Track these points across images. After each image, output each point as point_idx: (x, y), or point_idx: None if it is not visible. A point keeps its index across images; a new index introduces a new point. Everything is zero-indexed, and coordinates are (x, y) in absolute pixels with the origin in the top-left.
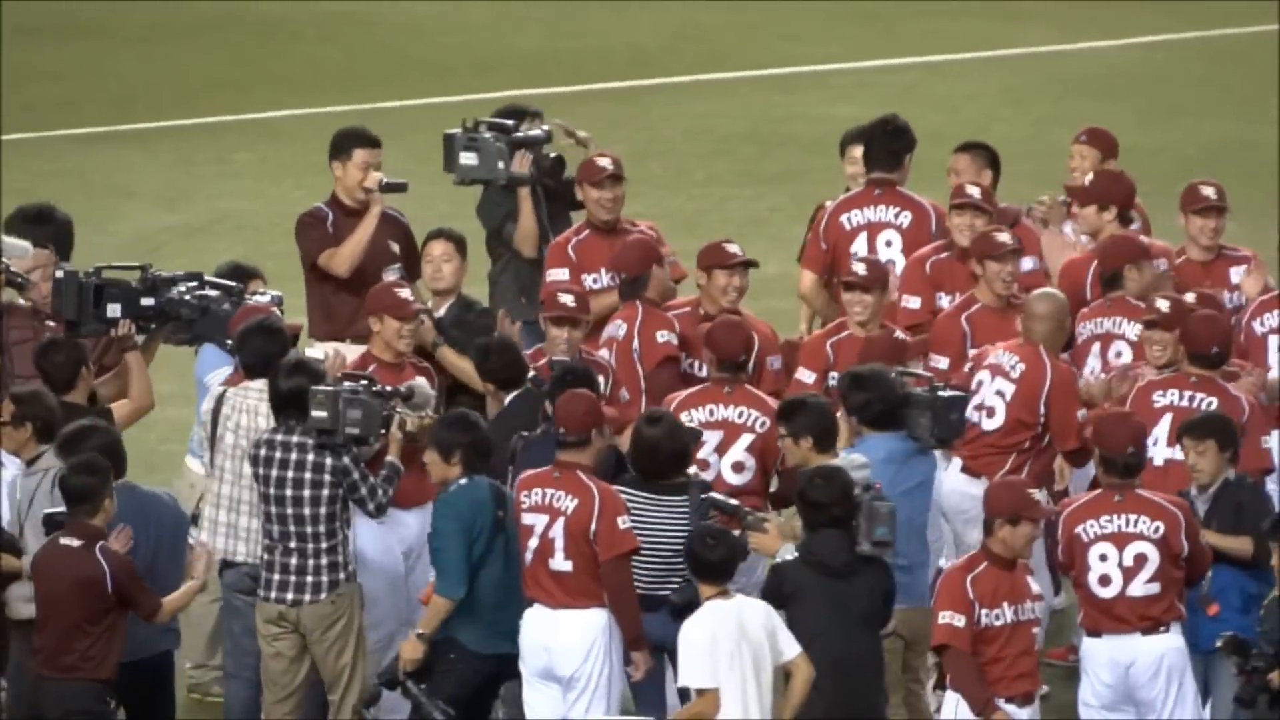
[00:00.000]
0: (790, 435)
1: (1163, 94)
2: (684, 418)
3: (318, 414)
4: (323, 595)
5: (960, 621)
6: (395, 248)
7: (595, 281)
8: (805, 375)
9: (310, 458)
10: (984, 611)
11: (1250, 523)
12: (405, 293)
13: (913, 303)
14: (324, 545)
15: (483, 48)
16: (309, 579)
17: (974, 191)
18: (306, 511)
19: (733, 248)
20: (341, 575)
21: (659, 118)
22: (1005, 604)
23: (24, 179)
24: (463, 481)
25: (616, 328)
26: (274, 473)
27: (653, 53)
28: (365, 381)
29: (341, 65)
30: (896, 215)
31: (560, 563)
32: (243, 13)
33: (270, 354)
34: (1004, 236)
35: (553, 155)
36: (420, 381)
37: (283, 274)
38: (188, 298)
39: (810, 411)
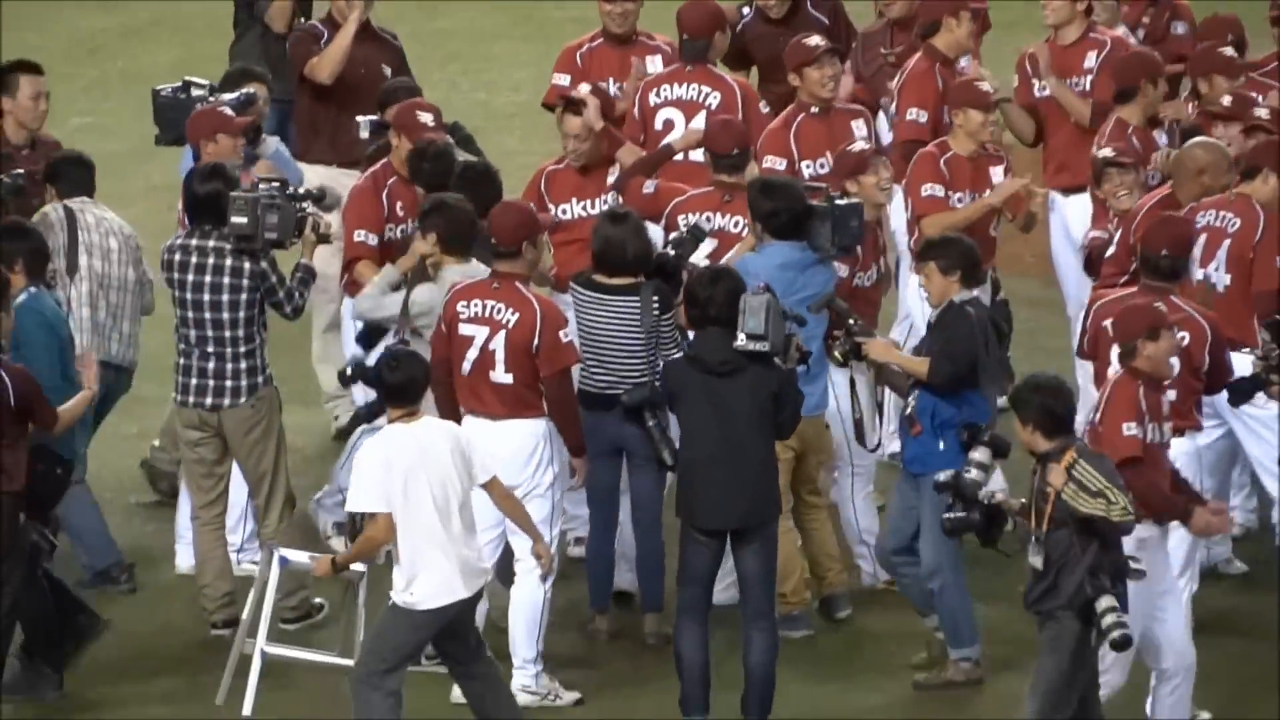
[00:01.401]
0: (941, 271)
1: None
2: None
3: (237, 220)
4: (242, 399)
5: (1137, 431)
6: (388, 71)
7: (960, 200)
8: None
9: (228, 262)
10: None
11: (940, 346)
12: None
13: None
14: (242, 349)
15: None
16: (228, 383)
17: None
18: (225, 316)
19: (812, 40)
20: (260, 379)
21: None
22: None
23: None
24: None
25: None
26: (189, 277)
27: None
28: (278, 184)
29: None
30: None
31: (501, 375)
32: None
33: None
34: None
35: None
36: (330, 184)
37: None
38: None
39: (957, 248)
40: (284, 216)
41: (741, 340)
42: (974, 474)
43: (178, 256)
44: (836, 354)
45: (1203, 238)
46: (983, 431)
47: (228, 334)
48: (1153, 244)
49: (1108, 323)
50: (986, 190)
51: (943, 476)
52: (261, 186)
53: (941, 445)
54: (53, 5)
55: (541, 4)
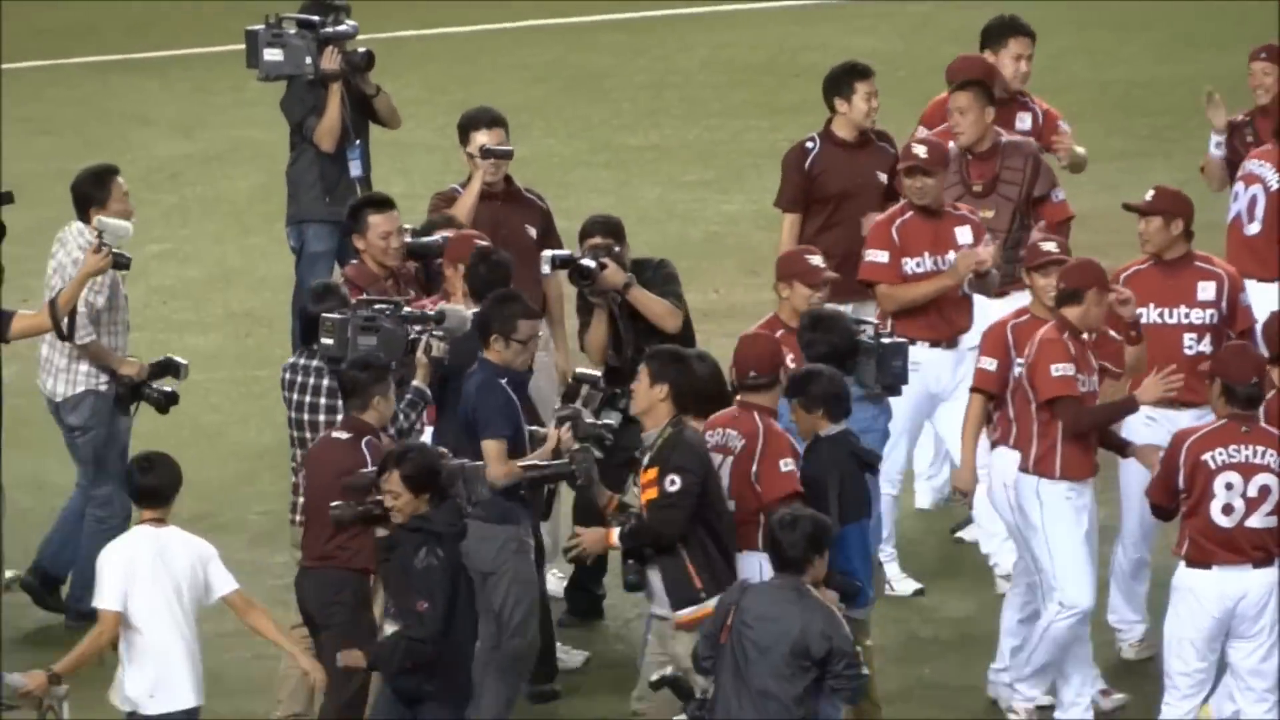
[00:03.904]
0: (804, 408)
1: (1182, 25)
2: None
3: (325, 341)
4: None
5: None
6: (531, 231)
7: (918, 265)
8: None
9: (326, 383)
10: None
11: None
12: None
13: (879, 256)
14: None
15: None
16: None
17: (920, 151)
18: None
19: (815, 259)
20: None
21: (676, 47)
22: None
23: (41, 106)
24: None
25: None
26: (295, 396)
27: None
28: (391, 306)
29: None
30: None
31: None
32: None
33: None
34: (1050, 246)
35: (362, 50)
36: (453, 306)
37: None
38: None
39: (820, 382)
40: (386, 338)
41: None
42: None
43: (288, 375)
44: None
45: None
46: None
47: None
48: (1238, 374)
49: (1206, 456)
50: (950, 253)
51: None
52: (362, 310)
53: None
54: (135, 129)
55: (619, 131)
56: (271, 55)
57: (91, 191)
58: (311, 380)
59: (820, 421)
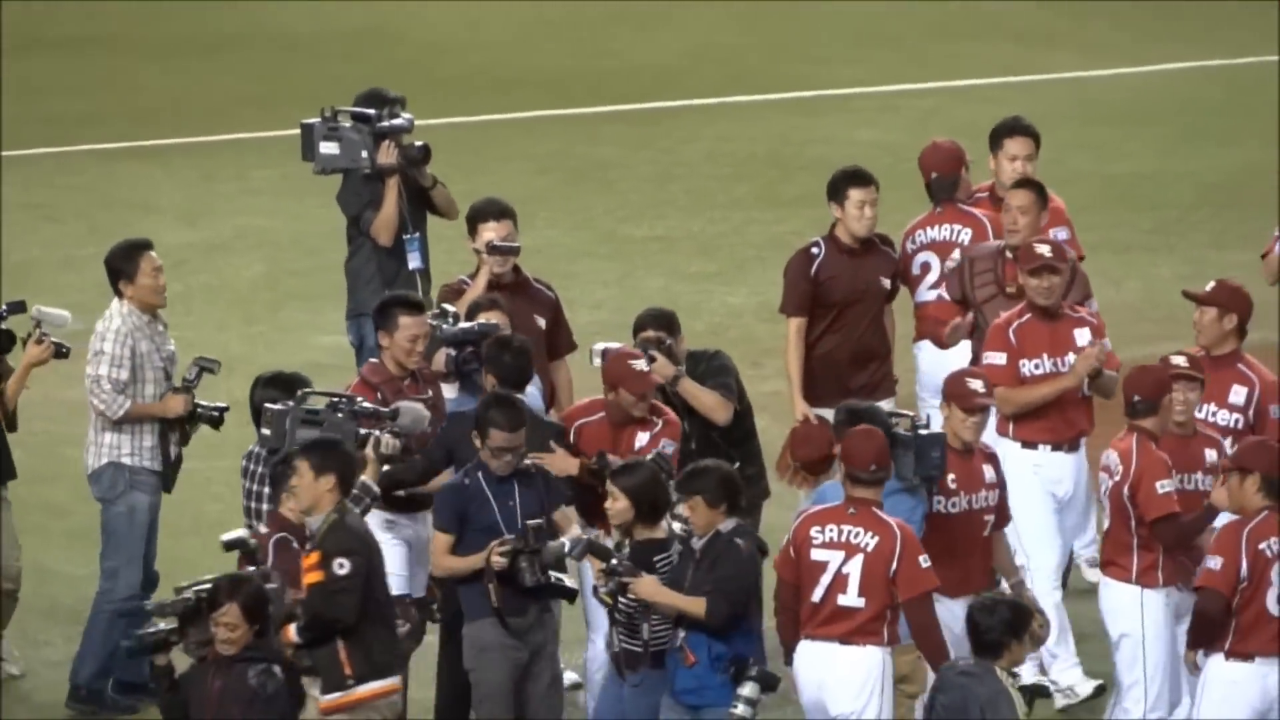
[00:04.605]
0: (707, 504)
1: (1185, 121)
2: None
3: (264, 431)
4: None
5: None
6: (541, 321)
7: (1037, 367)
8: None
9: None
10: None
11: (714, 585)
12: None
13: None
14: None
15: (505, 66)
16: None
17: (1044, 250)
18: None
19: (975, 383)
20: None
21: (680, 139)
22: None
23: (46, 193)
24: None
25: None
26: (245, 484)
27: (675, 73)
28: (345, 399)
29: (365, 83)
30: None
31: (853, 599)
32: (267, 29)
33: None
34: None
35: (419, 144)
36: (409, 403)
37: (304, 291)
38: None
39: (715, 477)
40: (330, 432)
41: None
42: (741, 710)
43: (244, 463)
44: (603, 595)
45: None
46: (749, 665)
47: None
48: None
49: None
50: (1069, 354)
51: None
52: (309, 403)
53: (719, 679)
54: (140, 217)
55: (623, 223)
56: (327, 149)
57: (121, 266)
58: (260, 469)
59: (719, 516)
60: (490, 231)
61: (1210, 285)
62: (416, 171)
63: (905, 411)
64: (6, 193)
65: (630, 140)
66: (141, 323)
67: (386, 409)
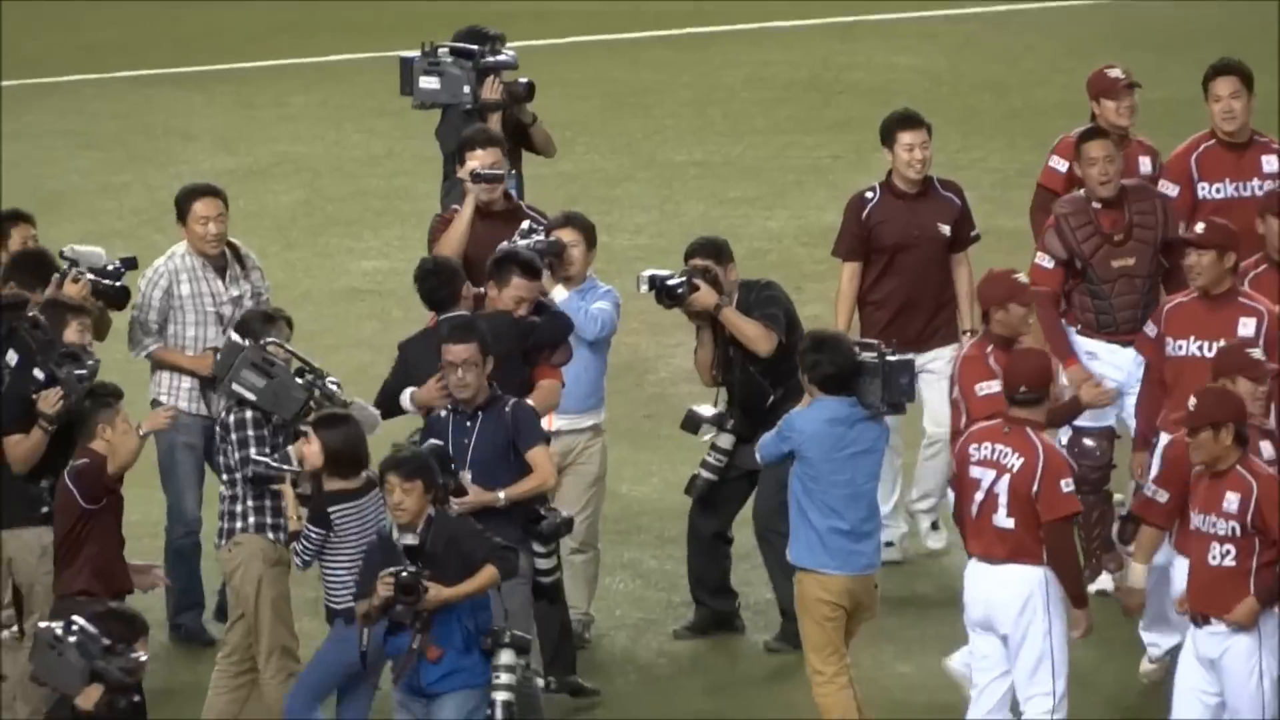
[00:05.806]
0: None
1: (1223, 47)
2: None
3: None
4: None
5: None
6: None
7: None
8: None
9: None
10: None
11: (480, 549)
12: None
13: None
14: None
15: None
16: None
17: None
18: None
19: (1021, 277)
20: (239, 525)
21: (720, 64)
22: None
23: (84, 120)
24: None
25: None
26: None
27: None
28: (314, 374)
29: (402, 9)
30: None
31: (1003, 519)
32: None
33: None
34: None
35: (523, 80)
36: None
37: (342, 217)
38: None
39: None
40: (276, 389)
41: None
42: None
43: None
44: (403, 620)
45: None
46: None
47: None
48: None
49: None
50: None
51: None
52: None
53: (473, 657)
54: (178, 144)
55: (663, 147)
56: (427, 83)
57: (179, 206)
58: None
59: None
60: (476, 160)
61: (1200, 228)
62: (518, 108)
63: (873, 341)
64: (44, 119)
65: (670, 65)
66: (194, 264)
67: (344, 404)
